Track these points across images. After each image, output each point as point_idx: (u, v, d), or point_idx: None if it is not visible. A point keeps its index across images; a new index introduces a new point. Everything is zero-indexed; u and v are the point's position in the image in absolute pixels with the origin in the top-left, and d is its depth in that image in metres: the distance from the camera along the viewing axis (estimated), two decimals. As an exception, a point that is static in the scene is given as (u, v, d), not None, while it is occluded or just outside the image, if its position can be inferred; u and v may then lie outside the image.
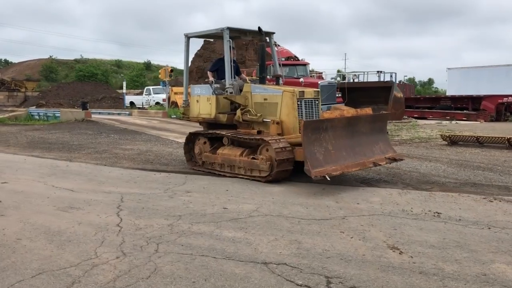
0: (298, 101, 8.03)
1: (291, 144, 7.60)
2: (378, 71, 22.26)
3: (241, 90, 8.92)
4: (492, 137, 12.20)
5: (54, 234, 4.89)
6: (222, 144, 8.72)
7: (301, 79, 18.71)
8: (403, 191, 7.06)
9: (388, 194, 6.81)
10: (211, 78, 9.14)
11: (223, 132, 8.49)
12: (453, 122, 21.47)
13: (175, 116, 22.48)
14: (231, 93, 8.76)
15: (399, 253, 4.34)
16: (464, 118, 23.33)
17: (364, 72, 23.04)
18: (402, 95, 20.88)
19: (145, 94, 31.50)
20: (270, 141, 7.51)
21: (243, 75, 10.27)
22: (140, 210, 5.89)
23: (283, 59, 19.97)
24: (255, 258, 4.20)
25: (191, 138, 9.31)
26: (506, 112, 23.77)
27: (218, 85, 9.01)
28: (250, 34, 9.84)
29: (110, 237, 4.80)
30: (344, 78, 24.04)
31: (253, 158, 7.89)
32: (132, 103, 32.02)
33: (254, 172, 7.89)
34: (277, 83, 9.58)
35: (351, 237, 4.81)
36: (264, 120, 8.26)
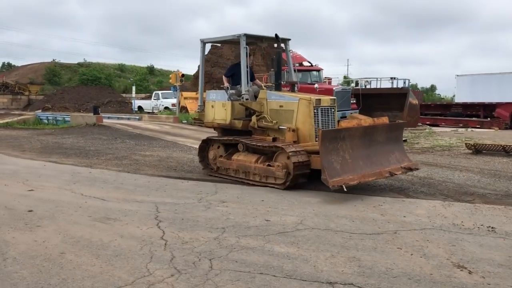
0: (314, 109, 8.00)
1: (307, 151, 7.57)
2: (391, 78, 22.02)
3: (256, 96, 8.87)
4: (519, 146, 11.95)
5: (98, 248, 4.64)
6: (237, 150, 8.67)
7: (316, 85, 18.49)
8: (445, 203, 6.82)
9: (432, 206, 6.56)
10: (226, 84, 9.12)
11: (240, 139, 8.44)
12: (469, 130, 21.21)
13: (186, 121, 22.25)
14: (247, 99, 8.69)
15: (468, 273, 4.09)
16: (477, 126, 23.08)
17: (377, 78, 22.78)
18: (417, 102, 20.68)
19: (154, 99, 31.27)
20: (287, 149, 7.46)
21: (258, 81, 10.20)
22: (180, 222, 5.65)
23: (297, 64, 19.82)
24: (318, 277, 3.96)
25: (206, 143, 9.28)
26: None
27: (233, 91, 8.92)
28: (266, 40, 9.83)
29: (157, 251, 4.55)
30: (357, 84, 23.79)
31: (269, 165, 7.84)
32: (140, 108, 31.78)
33: (269, 179, 7.85)
34: (293, 90, 9.47)
35: (411, 254, 4.57)
36: (280, 127, 8.23)
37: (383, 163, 7.75)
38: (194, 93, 26.71)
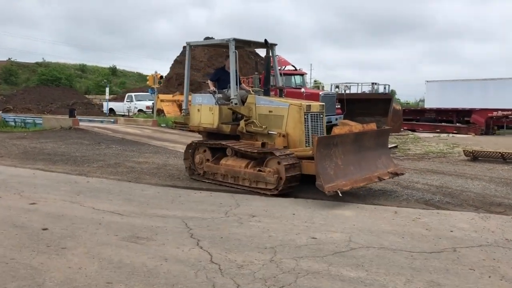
0: (305, 114, 8.03)
1: (297, 157, 7.61)
2: (372, 83, 22.05)
3: (243, 101, 8.76)
4: (518, 153, 12.01)
5: (147, 276, 4.07)
6: (224, 154, 8.59)
7: (303, 90, 18.22)
8: (480, 215, 6.59)
9: (470, 219, 6.31)
10: (212, 88, 9.01)
11: (229, 144, 8.37)
12: (450, 135, 21.46)
13: (165, 125, 21.50)
14: (235, 104, 8.61)
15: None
16: (454, 131, 23.43)
17: (358, 83, 22.77)
18: (400, 108, 20.74)
19: (127, 101, 30.11)
20: (279, 155, 7.47)
21: (244, 86, 10.01)
22: (220, 241, 5.13)
23: (282, 68, 19.49)
24: (410, 307, 3.56)
25: (192, 147, 9.19)
26: (493, 126, 24.05)
27: (220, 95, 8.85)
28: (254, 45, 9.66)
29: (216, 279, 4.04)
30: (337, 88, 23.68)
31: (259, 170, 7.77)
32: (112, 110, 30.54)
33: (259, 184, 7.81)
34: (280, 95, 9.42)
35: (489, 276, 4.25)
36: (270, 132, 8.22)
37: (372, 168, 7.91)
38: (171, 95, 25.95)
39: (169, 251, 4.76)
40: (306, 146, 7.91)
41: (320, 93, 18.76)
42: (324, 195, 7.03)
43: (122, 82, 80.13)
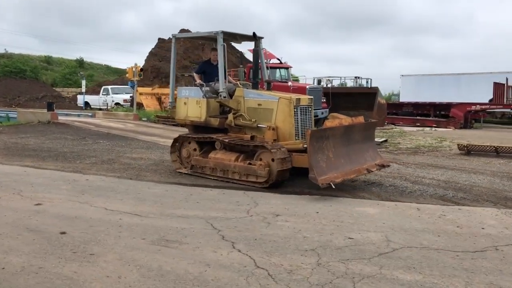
0: (294, 108, 8.06)
1: (287, 150, 7.68)
2: (355, 77, 22.06)
3: (231, 95, 8.70)
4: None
5: (195, 284, 3.78)
6: (212, 148, 8.59)
7: (290, 83, 18.02)
8: (501, 210, 6.54)
9: (494, 215, 6.25)
10: (198, 81, 8.96)
11: (218, 137, 8.39)
12: (433, 129, 21.70)
13: (146, 119, 20.94)
14: (224, 97, 8.57)
15: None
16: (434, 125, 23.72)
17: (340, 77, 22.73)
18: (385, 102, 20.79)
19: (103, 94, 29.15)
20: (270, 148, 7.54)
21: (231, 79, 9.93)
22: (255, 242, 4.87)
23: (266, 61, 19.22)
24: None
25: (179, 141, 9.14)
26: (471, 120, 24.50)
27: (208, 88, 8.80)
28: (241, 38, 9.56)
29: (272, 286, 3.77)
30: (319, 82, 23.60)
31: (250, 164, 7.82)
32: (87, 104, 29.51)
33: (250, 177, 7.83)
34: (268, 88, 9.38)
35: (544, 275, 4.13)
36: (259, 125, 8.20)
37: (360, 161, 8.05)
38: (150, 88, 25.32)
39: (207, 255, 4.46)
40: (296, 139, 7.97)
41: (307, 86, 18.59)
42: (316, 188, 7.22)
43: (90, 74, 77.70)
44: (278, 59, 20.07)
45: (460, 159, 11.54)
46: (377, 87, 20.39)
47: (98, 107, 28.94)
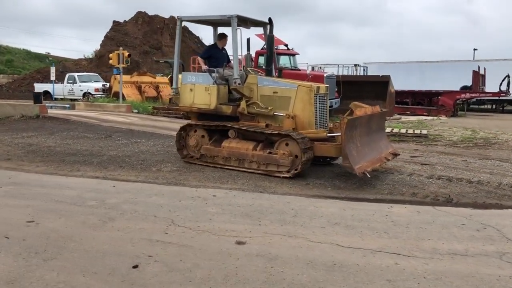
0: (314, 96, 7.93)
1: (309, 139, 7.64)
2: (355, 65, 21.31)
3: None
4: None
5: None
6: (223, 136, 8.38)
7: (308, 72, 16.87)
8: None
9: None
10: (204, 66, 8.77)
11: (234, 125, 8.18)
12: (435, 118, 21.53)
13: (136, 111, 18.74)
14: (239, 84, 8.28)
15: None
16: (425, 113, 23.68)
17: (337, 64, 21.88)
18: (394, 91, 20.25)
19: (68, 82, 25.81)
20: (296, 138, 7.42)
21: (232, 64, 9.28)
22: None
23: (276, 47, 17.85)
24: None
25: (185, 129, 8.88)
26: (457, 108, 24.83)
27: (217, 74, 8.51)
28: (252, 23, 9.17)
29: None
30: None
31: (270, 153, 7.73)
32: (47, 93, 25.94)
33: (270, 166, 7.76)
34: (280, 76, 9.39)
35: None
36: (275, 113, 8.06)
37: (379, 150, 8.18)
38: (129, 76, 22.84)
39: None
40: (316, 128, 7.90)
41: (324, 75, 17.52)
42: (347, 180, 7.39)
43: (8, 59, 70.93)
44: (286, 45, 18.75)
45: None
46: (389, 76, 19.79)
47: (62, 97, 25.74)
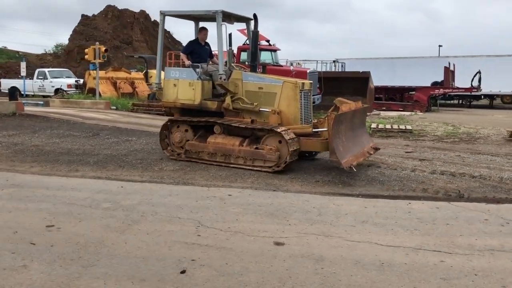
0: (300, 92, 8.05)
1: (294, 134, 7.78)
2: (334, 60, 21.44)
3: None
4: None
5: None
6: (207, 132, 8.43)
7: (292, 68, 16.83)
8: None
9: None
10: (188, 62, 8.69)
11: (221, 121, 8.23)
12: (413, 113, 21.91)
13: (115, 107, 18.25)
14: (224, 79, 8.31)
15: None
16: (400, 109, 24.10)
17: (317, 60, 21.96)
18: (373, 87, 20.47)
19: (38, 78, 24.79)
20: (281, 131, 7.56)
21: (216, 59, 9.33)
22: None
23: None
24: None
25: (168, 125, 8.85)
26: (430, 103, 25.37)
27: (201, 69, 8.45)
28: (235, 19, 9.13)
29: None
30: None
31: (257, 148, 7.82)
32: (14, 89, 24.75)
33: (256, 162, 7.86)
34: (263, 72, 9.42)
35: None
36: (261, 109, 8.12)
37: (361, 145, 8.41)
38: (104, 72, 22.14)
39: None
40: (301, 124, 8.05)
41: (307, 71, 17.53)
42: (335, 175, 7.61)
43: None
44: (267, 41, 18.65)
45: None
46: (369, 72, 19.99)
47: (33, 93, 24.75)
